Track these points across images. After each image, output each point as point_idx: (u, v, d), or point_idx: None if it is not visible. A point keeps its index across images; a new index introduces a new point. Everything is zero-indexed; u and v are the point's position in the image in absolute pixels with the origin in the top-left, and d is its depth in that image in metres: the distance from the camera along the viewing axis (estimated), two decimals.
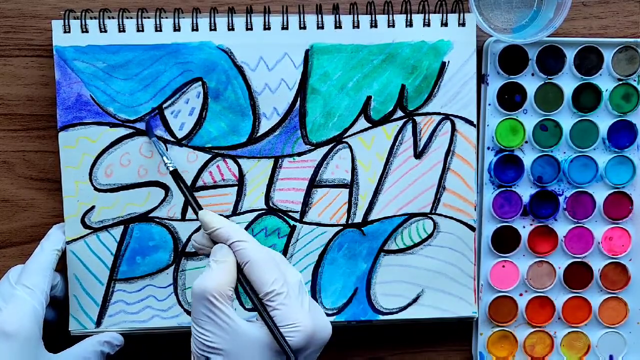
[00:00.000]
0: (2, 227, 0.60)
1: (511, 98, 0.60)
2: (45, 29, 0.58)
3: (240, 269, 0.48)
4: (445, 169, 0.59)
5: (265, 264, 0.48)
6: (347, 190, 0.58)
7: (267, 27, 0.57)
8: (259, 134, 0.58)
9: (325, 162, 0.58)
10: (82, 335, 0.57)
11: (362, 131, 0.58)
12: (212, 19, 0.56)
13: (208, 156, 0.57)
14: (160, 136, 0.57)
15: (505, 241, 0.61)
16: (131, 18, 0.56)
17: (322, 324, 0.49)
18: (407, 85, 0.58)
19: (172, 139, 0.57)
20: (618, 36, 0.61)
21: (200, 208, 0.51)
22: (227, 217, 0.58)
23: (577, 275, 0.61)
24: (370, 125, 0.58)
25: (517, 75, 0.59)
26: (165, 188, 0.57)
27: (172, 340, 0.60)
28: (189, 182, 0.57)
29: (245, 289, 0.48)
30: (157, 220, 0.58)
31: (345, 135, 0.58)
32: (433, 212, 0.59)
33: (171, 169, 0.53)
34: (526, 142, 0.60)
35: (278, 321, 0.46)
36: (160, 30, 0.56)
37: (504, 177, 0.60)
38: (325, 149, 0.58)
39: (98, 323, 0.58)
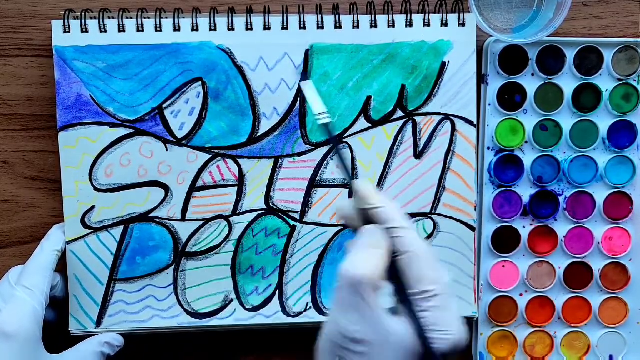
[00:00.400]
0: (2, 227, 0.60)
1: (511, 98, 0.60)
2: (45, 29, 0.58)
3: (394, 257, 0.43)
4: (445, 169, 0.59)
5: (427, 259, 0.42)
6: (347, 190, 0.58)
7: (267, 27, 0.57)
8: (259, 134, 0.58)
9: (325, 162, 0.58)
10: (83, 335, 0.57)
11: (362, 131, 0.58)
12: (212, 19, 0.56)
13: (208, 156, 0.57)
14: (160, 136, 0.57)
15: (505, 241, 0.61)
16: (131, 18, 0.56)
17: (464, 331, 0.43)
18: (407, 85, 0.58)
19: (172, 139, 0.57)
20: (618, 36, 0.61)
21: (356, 176, 0.46)
22: (227, 217, 0.58)
23: (577, 275, 0.61)
24: (370, 125, 0.58)
25: (517, 75, 0.59)
26: (165, 188, 0.57)
27: (172, 340, 0.60)
28: (188, 182, 0.57)
29: (397, 282, 0.43)
30: (157, 220, 0.58)
31: (345, 135, 0.58)
32: (433, 212, 0.59)
33: (326, 121, 0.48)
34: (526, 142, 0.60)
35: (429, 324, 0.41)
36: (160, 30, 0.56)
37: (504, 177, 0.60)
38: (325, 149, 0.58)
39: (98, 323, 0.58)
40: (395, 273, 0.42)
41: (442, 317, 0.41)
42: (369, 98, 0.58)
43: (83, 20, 0.56)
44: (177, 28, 0.56)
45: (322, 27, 0.57)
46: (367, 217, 0.44)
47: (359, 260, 0.42)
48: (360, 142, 0.58)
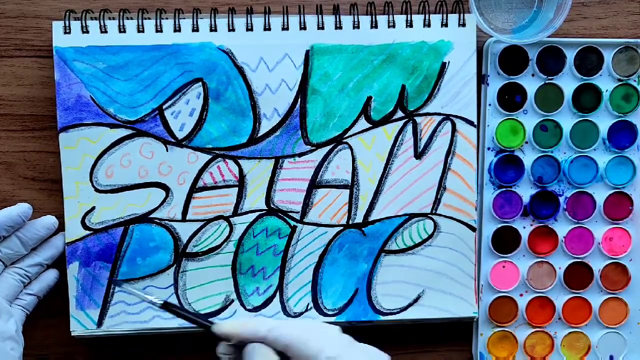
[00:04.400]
0: None
1: (511, 98, 0.60)
2: (45, 30, 0.58)
3: (284, 354, 0.45)
4: (445, 169, 0.59)
5: (305, 338, 0.45)
6: (348, 190, 0.58)
7: (267, 28, 0.57)
8: (259, 135, 0.58)
9: (325, 162, 0.58)
10: (85, 336, 0.57)
11: (362, 131, 0.58)
12: (213, 20, 0.56)
13: (208, 157, 0.57)
14: (160, 136, 0.57)
15: (505, 241, 0.61)
16: (131, 19, 0.56)
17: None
18: (407, 86, 0.58)
19: (172, 140, 0.57)
20: (618, 36, 0.61)
21: (211, 323, 0.49)
22: (228, 217, 0.58)
23: (578, 276, 0.61)
24: (370, 125, 0.58)
25: (517, 75, 0.59)
26: (166, 189, 0.57)
27: (172, 340, 0.60)
28: (189, 183, 0.57)
29: None
30: (158, 221, 0.58)
31: (345, 136, 0.58)
32: (433, 212, 0.59)
33: (160, 303, 0.51)
34: (526, 142, 0.60)
35: None
36: (161, 31, 0.56)
37: (504, 177, 0.60)
38: (325, 149, 0.58)
39: (99, 324, 0.58)
40: None
41: None
42: (369, 98, 0.58)
43: (83, 21, 0.56)
44: (177, 29, 0.56)
45: (323, 28, 0.57)
46: (243, 342, 0.46)
47: None
48: (360, 142, 0.58)
